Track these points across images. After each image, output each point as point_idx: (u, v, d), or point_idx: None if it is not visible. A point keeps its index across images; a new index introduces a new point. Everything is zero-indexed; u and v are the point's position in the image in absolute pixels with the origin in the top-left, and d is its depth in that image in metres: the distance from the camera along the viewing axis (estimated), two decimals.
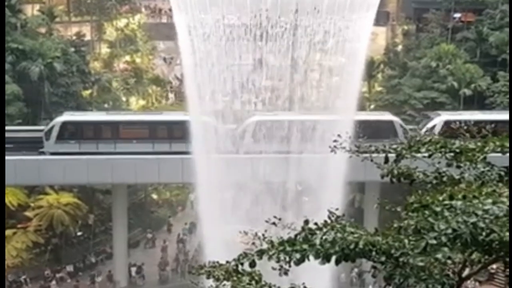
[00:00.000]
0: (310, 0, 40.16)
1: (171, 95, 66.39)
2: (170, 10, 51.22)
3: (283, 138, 40.97)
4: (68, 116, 43.85)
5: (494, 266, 27.56)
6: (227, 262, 9.69)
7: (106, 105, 56.92)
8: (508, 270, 9.83)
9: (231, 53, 41.03)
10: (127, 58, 64.09)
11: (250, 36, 40.70)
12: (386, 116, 44.85)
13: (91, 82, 56.17)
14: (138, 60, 64.51)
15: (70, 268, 46.77)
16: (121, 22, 64.70)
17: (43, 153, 41.87)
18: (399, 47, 63.64)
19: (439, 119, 43.69)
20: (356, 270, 44.36)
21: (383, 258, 8.24)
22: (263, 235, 9.93)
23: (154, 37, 66.30)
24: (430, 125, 43.40)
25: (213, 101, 41.28)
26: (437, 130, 42.31)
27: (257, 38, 41.08)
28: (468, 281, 40.48)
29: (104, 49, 64.38)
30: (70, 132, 42.17)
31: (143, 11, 69.71)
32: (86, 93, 56.47)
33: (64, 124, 42.23)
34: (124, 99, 61.00)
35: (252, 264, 9.24)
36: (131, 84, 61.26)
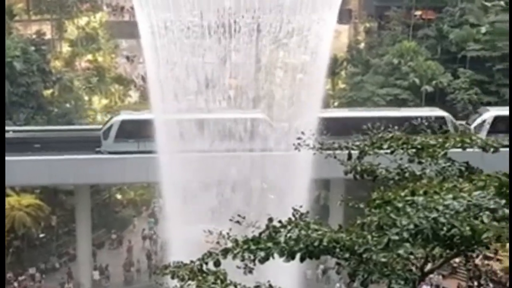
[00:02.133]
0: None
1: (134, 94, 65.84)
2: (132, 8, 50.76)
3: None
4: (127, 115, 43.31)
5: (457, 260, 28.00)
6: (192, 261, 9.65)
7: (68, 105, 56.19)
8: (469, 264, 9.99)
9: (194, 52, 40.88)
10: (89, 56, 63.31)
11: (213, 34, 40.60)
12: (438, 111, 45.28)
13: (52, 82, 55.37)
14: (100, 58, 63.78)
15: (32, 270, 46.08)
16: (82, 20, 63.86)
17: (100, 152, 41.39)
18: (362, 45, 64.16)
19: (489, 114, 44.40)
20: (321, 267, 44.62)
21: (347, 255, 8.30)
22: (227, 233, 9.92)
23: (116, 35, 65.62)
24: (479, 120, 44.29)
25: (177, 100, 41.07)
26: (487, 125, 43.40)
27: (221, 36, 41.02)
28: (432, 275, 41.11)
29: (65, 48, 63.52)
30: (129, 131, 41.44)
31: (105, 9, 68.95)
32: (47, 92, 55.67)
33: (123, 123, 41.71)
34: (86, 98, 60.31)
35: (217, 263, 9.22)
36: (93, 83, 60.55)
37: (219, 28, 40.53)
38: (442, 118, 43.00)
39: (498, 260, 44.03)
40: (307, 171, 37.64)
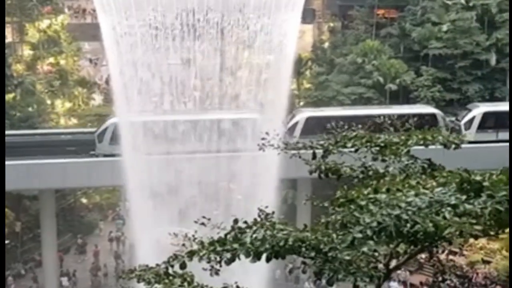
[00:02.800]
0: None
1: (98, 97, 65.22)
2: (94, 10, 50.29)
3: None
4: None
5: (424, 256, 28.36)
6: (157, 265, 9.60)
7: (30, 109, 55.42)
8: (433, 259, 10.11)
9: (158, 53, 40.64)
10: (51, 60, 62.44)
11: (177, 35, 40.41)
12: (428, 109, 46.27)
13: (14, 85, 54.55)
14: (62, 61, 62.97)
15: None
16: (44, 23, 62.99)
17: (95, 155, 40.97)
18: (326, 44, 64.52)
19: (478, 110, 45.39)
20: (290, 266, 44.71)
21: (312, 254, 8.34)
22: (193, 236, 9.88)
23: (78, 37, 64.88)
24: (469, 116, 45.26)
25: (142, 102, 40.82)
26: (476, 121, 44.60)
27: (185, 37, 40.85)
28: (399, 272, 41.53)
29: (27, 51, 62.58)
30: None
31: (66, 12, 68.12)
32: (9, 96, 54.82)
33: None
34: (49, 102, 59.56)
35: (183, 266, 9.18)
36: (56, 87, 59.76)
37: (183, 29, 40.35)
38: (433, 115, 44.08)
39: (463, 255, 44.68)
40: (274, 171, 37.69)
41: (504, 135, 42.77)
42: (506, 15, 54.49)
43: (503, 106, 45.60)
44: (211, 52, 42.19)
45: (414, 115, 41.99)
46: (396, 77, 53.25)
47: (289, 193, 48.40)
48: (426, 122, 44.03)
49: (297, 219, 41.66)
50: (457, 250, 43.35)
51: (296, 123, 43.41)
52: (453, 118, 46.51)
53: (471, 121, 44.87)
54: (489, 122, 44.55)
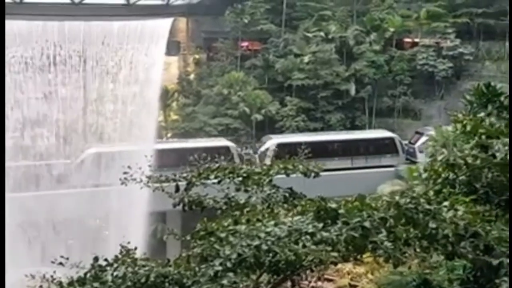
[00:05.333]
0: (100, 31, 39.66)
1: None
2: None
3: None
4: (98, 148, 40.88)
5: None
6: None
7: None
8: (296, 287, 10.26)
9: (18, 87, 39.15)
10: None
11: (38, 68, 39.18)
12: (387, 133, 49.73)
13: None
14: None
15: None
16: None
17: None
18: (192, 76, 64.72)
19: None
20: None
21: None
22: (51, 276, 9.47)
23: None
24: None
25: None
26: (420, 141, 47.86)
27: (46, 70, 39.68)
28: None
29: None
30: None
31: None
32: None
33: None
34: None
35: None
36: None
37: (44, 62, 39.20)
38: (391, 138, 48.22)
39: (331, 280, 45.80)
40: (142, 205, 37.10)
41: None
42: (363, 47, 57.44)
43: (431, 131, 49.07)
44: (74, 85, 41.24)
45: (375, 139, 46.11)
46: (261, 108, 54.37)
47: (159, 227, 47.66)
48: (385, 145, 47.58)
49: (167, 253, 41.06)
50: (324, 275, 44.47)
51: (266, 149, 45.50)
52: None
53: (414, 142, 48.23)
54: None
